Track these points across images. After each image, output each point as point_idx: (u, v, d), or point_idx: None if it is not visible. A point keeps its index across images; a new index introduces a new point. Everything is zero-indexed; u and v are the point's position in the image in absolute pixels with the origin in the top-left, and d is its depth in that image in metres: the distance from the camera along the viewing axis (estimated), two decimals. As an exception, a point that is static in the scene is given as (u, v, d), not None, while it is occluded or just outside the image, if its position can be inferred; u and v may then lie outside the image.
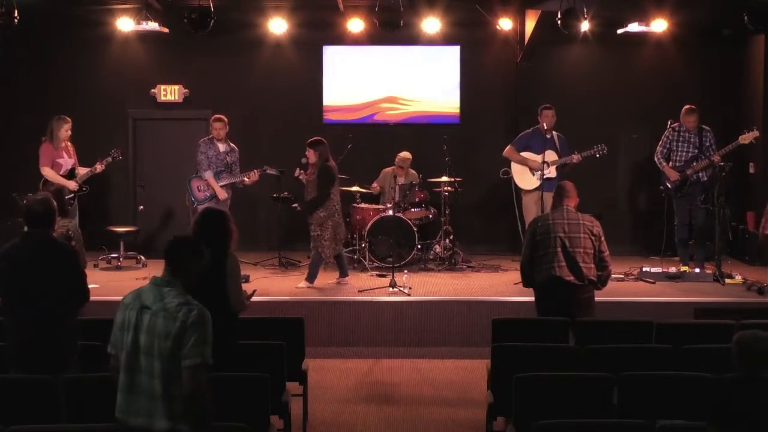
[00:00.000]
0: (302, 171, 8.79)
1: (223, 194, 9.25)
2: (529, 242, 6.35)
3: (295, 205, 9.82)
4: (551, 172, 9.27)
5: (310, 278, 8.76)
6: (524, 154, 9.58)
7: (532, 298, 8.08)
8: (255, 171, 9.34)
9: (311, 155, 8.61)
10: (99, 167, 9.29)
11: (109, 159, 9.38)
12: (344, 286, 8.84)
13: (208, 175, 9.28)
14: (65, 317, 4.93)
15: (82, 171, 9.21)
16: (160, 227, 11.21)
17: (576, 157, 9.26)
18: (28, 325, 4.82)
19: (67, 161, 9.15)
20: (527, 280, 6.46)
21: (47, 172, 8.97)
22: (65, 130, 9.04)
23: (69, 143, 9.20)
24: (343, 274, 8.97)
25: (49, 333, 4.83)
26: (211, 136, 9.41)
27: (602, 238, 6.27)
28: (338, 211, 8.72)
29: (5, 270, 4.88)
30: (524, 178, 9.64)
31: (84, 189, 9.20)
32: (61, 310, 4.89)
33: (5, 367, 4.92)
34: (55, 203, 5.10)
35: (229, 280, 5.03)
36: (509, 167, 9.77)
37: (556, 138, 9.44)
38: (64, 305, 4.92)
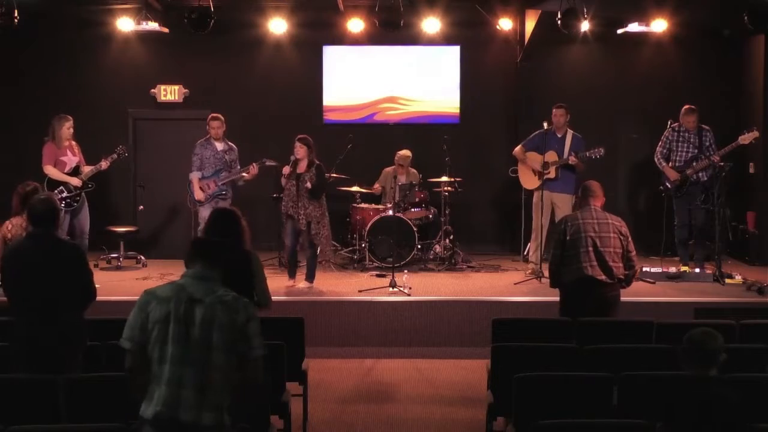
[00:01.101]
0: (291, 169, 8.62)
1: (199, 194, 9.24)
2: (559, 242, 6.34)
3: None
4: (551, 173, 9.28)
5: (310, 278, 8.76)
6: (529, 154, 9.60)
7: (533, 298, 8.14)
8: (254, 164, 9.29)
9: (303, 151, 8.53)
10: (104, 164, 9.31)
11: (115, 156, 9.41)
12: (312, 288, 8.72)
13: (193, 175, 9.30)
14: (72, 316, 4.93)
15: (86, 169, 9.24)
16: (160, 227, 11.21)
17: (572, 159, 9.26)
18: (35, 325, 4.82)
19: (71, 159, 9.17)
20: (555, 281, 6.45)
21: (50, 170, 9.00)
22: (67, 128, 9.07)
23: (73, 142, 9.23)
24: (311, 278, 8.83)
25: (56, 332, 4.83)
26: (208, 136, 9.42)
27: (629, 238, 6.34)
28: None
29: (12, 270, 4.89)
30: (526, 178, 9.70)
31: (90, 186, 9.23)
32: (68, 308, 4.90)
33: (10, 367, 4.92)
34: (57, 202, 5.11)
35: (256, 278, 5.08)
36: (517, 166, 9.83)
37: (569, 138, 9.41)
38: (71, 304, 4.92)
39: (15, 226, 6.43)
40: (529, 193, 9.82)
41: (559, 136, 9.41)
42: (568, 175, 9.29)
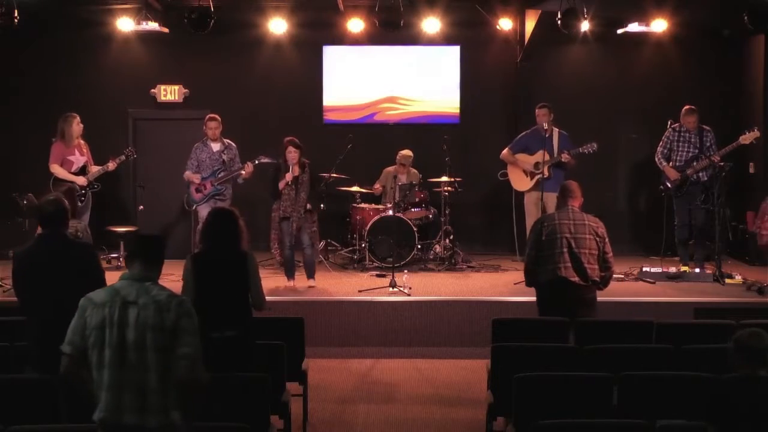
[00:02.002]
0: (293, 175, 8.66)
1: (195, 178, 9.27)
2: (534, 242, 6.34)
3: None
4: (544, 173, 9.29)
5: (313, 275, 8.83)
6: (519, 155, 9.61)
7: (533, 298, 8.13)
8: (248, 163, 9.30)
9: (297, 155, 8.59)
10: (111, 165, 9.34)
11: (123, 157, 9.44)
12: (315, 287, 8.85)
13: (187, 174, 9.33)
14: None
15: (94, 169, 9.26)
16: (160, 227, 11.18)
17: (565, 156, 9.27)
18: (47, 326, 4.79)
19: (79, 159, 9.20)
20: (530, 280, 6.46)
21: (56, 169, 9.04)
22: (77, 123, 9.15)
23: (82, 141, 9.27)
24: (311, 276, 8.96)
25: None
26: (204, 138, 9.41)
27: (606, 239, 6.30)
28: None
29: (23, 271, 4.88)
30: (518, 180, 9.69)
31: (96, 186, 9.25)
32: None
33: (22, 367, 4.92)
34: (66, 201, 5.11)
35: (251, 279, 5.08)
36: (507, 169, 9.82)
37: (556, 136, 9.43)
38: None
39: None
40: (520, 196, 9.80)
41: (546, 135, 9.43)
42: (559, 173, 9.30)
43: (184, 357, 3.70)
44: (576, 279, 6.19)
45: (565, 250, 6.19)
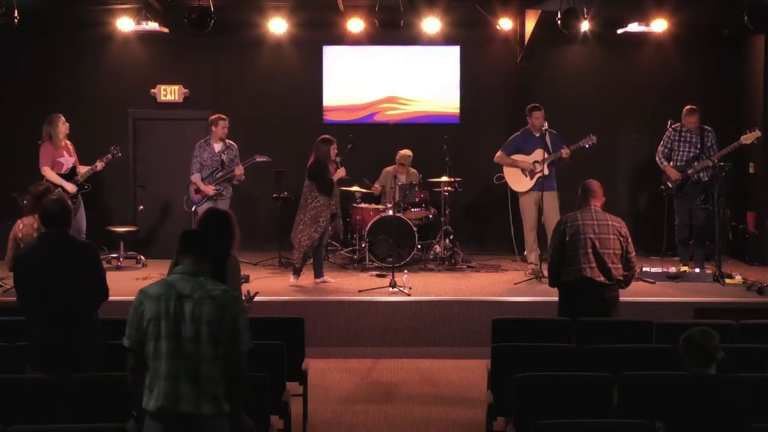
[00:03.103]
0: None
1: (210, 190, 9.27)
2: (558, 243, 6.33)
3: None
4: (543, 171, 9.28)
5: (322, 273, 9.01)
6: (515, 156, 9.59)
7: (532, 298, 8.15)
8: (239, 166, 9.33)
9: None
10: (99, 165, 9.32)
11: (109, 156, 9.41)
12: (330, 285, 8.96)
13: (195, 177, 9.33)
14: (86, 316, 4.92)
15: (83, 169, 9.24)
16: (160, 227, 11.21)
17: (565, 152, 9.25)
18: (49, 325, 4.79)
19: (68, 160, 9.17)
20: (554, 281, 6.45)
21: (47, 172, 8.99)
22: (62, 124, 9.10)
23: (68, 142, 9.23)
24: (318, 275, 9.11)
25: (70, 332, 4.81)
26: (207, 137, 9.41)
27: (629, 239, 6.33)
28: None
29: (27, 271, 4.88)
30: (517, 181, 9.63)
31: (86, 187, 9.23)
32: (82, 308, 4.88)
33: (23, 367, 4.92)
34: (69, 202, 5.11)
35: (228, 281, 5.03)
36: (503, 172, 9.79)
37: (547, 135, 9.41)
38: (85, 303, 4.91)
39: (26, 225, 6.51)
40: (516, 196, 9.76)
41: (537, 135, 9.43)
42: (552, 171, 9.32)
43: (243, 354, 3.83)
44: (601, 279, 6.20)
45: (590, 250, 6.19)
